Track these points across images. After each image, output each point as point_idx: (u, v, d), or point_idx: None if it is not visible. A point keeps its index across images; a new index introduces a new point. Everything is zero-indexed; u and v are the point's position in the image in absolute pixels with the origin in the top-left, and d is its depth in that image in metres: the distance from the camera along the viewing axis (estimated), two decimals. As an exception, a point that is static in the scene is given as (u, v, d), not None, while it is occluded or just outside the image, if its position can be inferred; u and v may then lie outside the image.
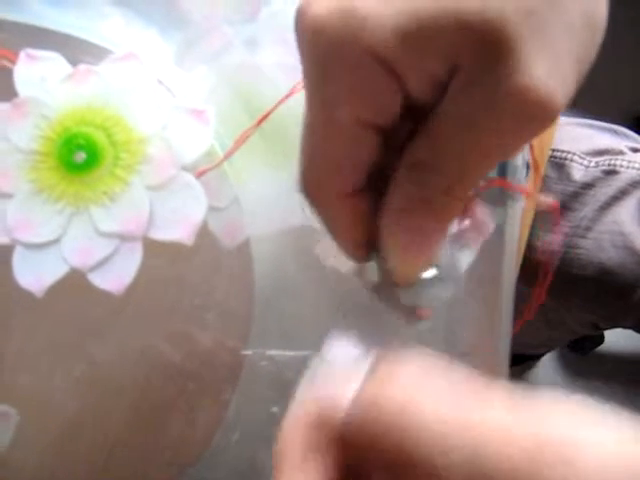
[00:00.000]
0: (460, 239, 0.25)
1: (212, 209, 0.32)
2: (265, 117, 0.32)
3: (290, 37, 0.39)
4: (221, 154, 0.32)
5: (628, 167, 0.59)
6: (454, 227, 0.25)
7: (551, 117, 0.20)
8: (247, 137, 0.32)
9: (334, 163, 0.22)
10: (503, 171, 0.33)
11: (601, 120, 0.69)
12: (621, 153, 0.61)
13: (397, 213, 0.22)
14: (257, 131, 0.33)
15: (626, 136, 0.65)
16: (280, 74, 0.35)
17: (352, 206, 0.23)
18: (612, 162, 0.60)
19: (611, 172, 0.59)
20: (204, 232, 0.32)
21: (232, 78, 0.35)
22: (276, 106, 0.32)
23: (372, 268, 0.25)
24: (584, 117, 0.69)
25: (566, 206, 0.59)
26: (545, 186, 0.60)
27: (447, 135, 0.20)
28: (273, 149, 0.34)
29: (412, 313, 0.26)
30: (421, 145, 0.21)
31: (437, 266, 0.25)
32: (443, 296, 0.26)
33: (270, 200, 0.34)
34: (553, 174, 0.60)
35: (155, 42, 0.34)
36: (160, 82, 0.32)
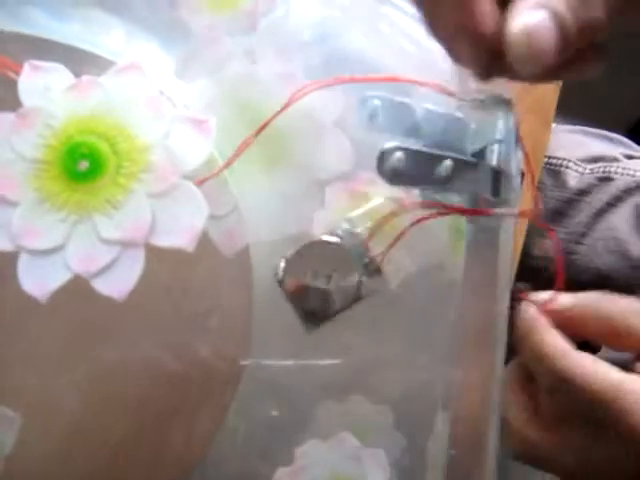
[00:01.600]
0: None
1: (212, 217, 0.32)
2: (264, 126, 0.33)
3: (289, 47, 0.39)
4: (221, 163, 0.33)
5: (622, 174, 0.60)
6: None
7: None
8: (247, 146, 0.33)
9: None
10: (497, 179, 0.33)
11: (596, 127, 0.70)
12: (615, 160, 0.62)
13: None
14: (257, 140, 0.34)
15: (621, 143, 0.66)
16: (279, 84, 0.35)
17: None
18: (607, 169, 0.60)
19: (605, 179, 0.60)
20: (204, 239, 0.32)
21: (232, 89, 0.35)
22: (275, 116, 0.33)
23: None
24: (579, 124, 0.69)
25: (562, 212, 0.60)
26: (541, 193, 0.61)
27: None
28: (272, 158, 0.35)
29: None
30: None
31: None
32: None
33: (269, 208, 0.34)
34: (549, 181, 0.61)
35: (156, 54, 0.35)
36: (162, 92, 0.33)
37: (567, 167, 0.61)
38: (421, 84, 0.35)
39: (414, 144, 0.34)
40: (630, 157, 0.63)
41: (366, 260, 0.30)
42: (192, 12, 0.35)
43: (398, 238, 0.30)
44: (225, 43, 0.36)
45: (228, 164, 0.32)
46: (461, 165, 0.33)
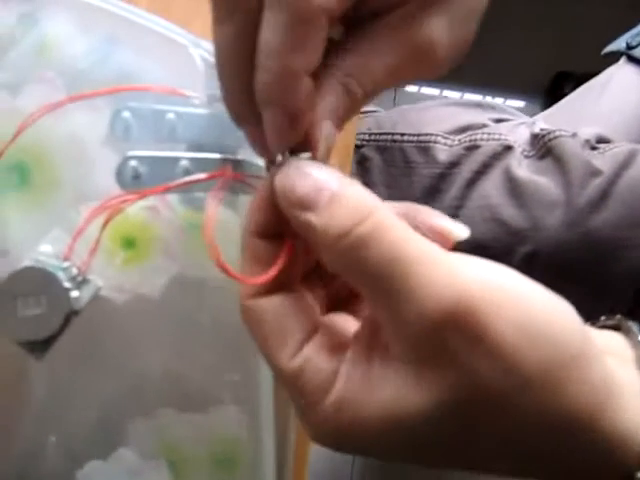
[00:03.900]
0: None
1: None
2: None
3: (52, 75, 0.39)
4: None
5: (488, 140, 0.59)
6: None
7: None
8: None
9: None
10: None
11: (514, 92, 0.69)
12: (483, 126, 0.61)
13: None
14: (26, 170, 0.34)
15: (492, 108, 0.65)
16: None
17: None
18: (473, 137, 0.59)
19: (473, 147, 0.59)
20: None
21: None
22: (10, 143, 0.33)
23: None
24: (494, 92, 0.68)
25: (436, 188, 0.59)
26: (413, 172, 0.60)
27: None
28: (41, 185, 0.35)
29: None
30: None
31: None
32: None
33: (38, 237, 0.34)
34: (419, 158, 0.60)
35: None
36: None
37: (435, 142, 0.60)
38: (154, 89, 0.34)
39: (172, 148, 0.34)
40: (499, 121, 0.62)
41: (72, 273, 0.30)
42: None
43: (96, 245, 0.30)
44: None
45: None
46: (201, 163, 0.33)
